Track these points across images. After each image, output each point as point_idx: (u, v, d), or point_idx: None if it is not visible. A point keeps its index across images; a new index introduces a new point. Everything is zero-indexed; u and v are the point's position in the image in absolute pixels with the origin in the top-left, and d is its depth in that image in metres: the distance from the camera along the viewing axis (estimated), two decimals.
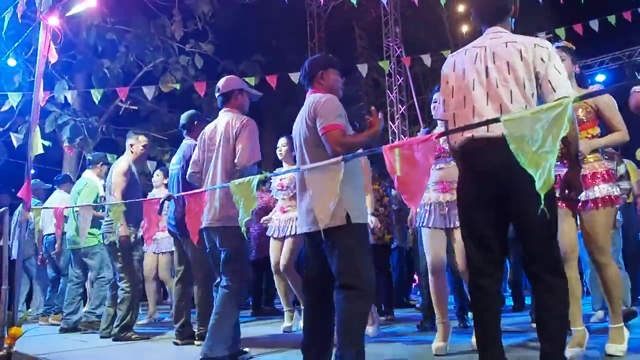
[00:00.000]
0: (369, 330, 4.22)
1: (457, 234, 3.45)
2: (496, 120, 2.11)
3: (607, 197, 3.03)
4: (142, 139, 5.01)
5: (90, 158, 6.01)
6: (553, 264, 2.31)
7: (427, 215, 3.64)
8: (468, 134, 2.41)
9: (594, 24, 9.70)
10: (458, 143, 2.50)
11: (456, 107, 2.51)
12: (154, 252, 6.57)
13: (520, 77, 2.33)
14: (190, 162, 3.78)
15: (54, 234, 6.07)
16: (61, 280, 6.21)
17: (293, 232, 4.74)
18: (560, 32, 9.80)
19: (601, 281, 3.10)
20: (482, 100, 2.39)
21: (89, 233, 5.02)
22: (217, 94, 3.67)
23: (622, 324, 3.07)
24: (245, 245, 3.55)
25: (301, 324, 4.64)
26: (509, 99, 2.33)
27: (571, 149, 2.41)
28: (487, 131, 2.31)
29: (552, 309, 2.30)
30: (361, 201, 2.77)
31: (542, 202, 1.90)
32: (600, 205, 3.02)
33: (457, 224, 3.44)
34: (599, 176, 3.06)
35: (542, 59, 2.33)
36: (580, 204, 3.05)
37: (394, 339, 4.27)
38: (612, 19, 9.76)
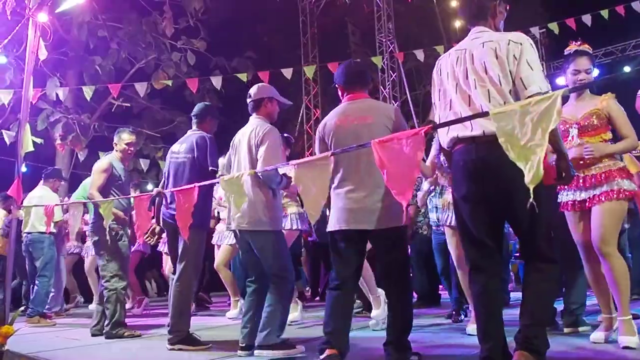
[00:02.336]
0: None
1: None
2: (486, 113, 2.11)
3: (618, 190, 3.09)
4: (125, 137, 4.91)
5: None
6: (542, 250, 2.37)
7: (448, 215, 3.92)
8: (453, 134, 2.48)
9: (587, 19, 9.71)
10: (445, 144, 2.57)
11: (442, 110, 2.59)
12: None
13: (496, 75, 2.37)
14: (221, 166, 3.93)
15: (38, 232, 6.02)
16: (38, 282, 6.04)
17: (294, 228, 4.93)
18: (554, 26, 9.82)
19: (606, 273, 3.13)
20: (464, 103, 2.45)
21: None
22: (248, 100, 3.76)
23: (631, 316, 3.09)
24: (285, 243, 3.66)
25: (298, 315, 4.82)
26: (487, 98, 2.36)
27: (554, 145, 2.38)
28: (471, 130, 2.37)
29: (535, 286, 2.37)
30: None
31: (532, 195, 1.91)
32: (611, 196, 3.09)
33: None
34: (614, 174, 3.14)
35: (514, 56, 2.35)
36: (590, 200, 3.16)
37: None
38: (605, 13, 9.78)
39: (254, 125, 3.63)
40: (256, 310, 3.57)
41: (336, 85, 3.22)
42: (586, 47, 3.41)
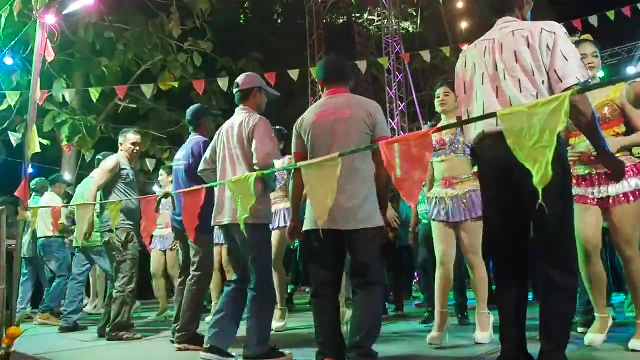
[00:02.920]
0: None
1: (462, 229, 3.66)
2: (493, 115, 2.09)
3: (636, 191, 3.01)
4: (131, 137, 4.96)
5: (100, 157, 5.65)
6: (561, 260, 2.27)
7: (434, 209, 3.79)
8: (479, 130, 2.40)
9: (593, 20, 9.66)
10: (473, 140, 2.48)
11: (468, 104, 2.50)
12: (160, 249, 6.56)
13: (528, 65, 2.28)
14: (202, 160, 3.74)
15: (46, 237, 6.18)
16: (56, 280, 6.21)
17: (282, 225, 4.77)
18: (593, 19, 9.70)
19: (627, 276, 3.06)
20: (492, 95, 2.37)
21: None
22: (235, 90, 3.63)
23: None
24: (270, 244, 3.53)
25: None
26: (518, 89, 2.28)
27: (591, 140, 2.33)
28: (497, 126, 2.25)
29: (555, 308, 2.26)
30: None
31: (540, 197, 1.88)
32: (631, 198, 3.01)
33: (461, 219, 3.63)
34: (628, 171, 3.01)
35: (547, 46, 2.25)
36: (610, 200, 3.06)
37: (399, 337, 4.26)
38: (611, 14, 9.73)
39: (243, 117, 3.49)
40: (231, 313, 3.39)
41: (316, 80, 3.17)
42: (587, 37, 3.31)
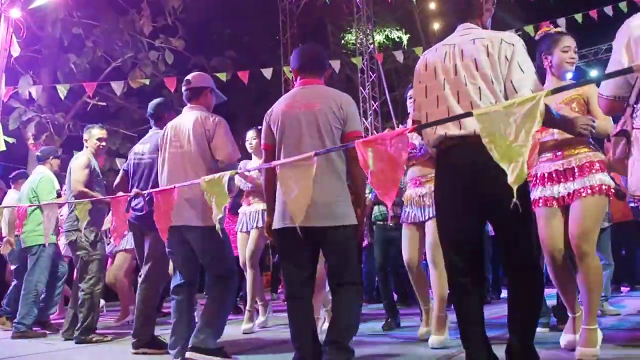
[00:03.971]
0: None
1: (428, 225, 3.66)
2: (469, 114, 2.09)
3: (600, 186, 2.88)
4: (95, 132, 4.83)
5: (39, 154, 5.67)
6: (525, 259, 2.30)
7: (407, 212, 3.82)
8: (441, 132, 2.38)
9: (562, 22, 9.85)
10: (432, 142, 2.46)
11: (429, 107, 2.48)
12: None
13: (487, 74, 2.30)
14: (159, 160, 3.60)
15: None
16: (13, 284, 5.96)
17: (260, 225, 4.68)
18: (530, 29, 9.93)
19: (580, 274, 2.91)
20: (453, 99, 2.37)
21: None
22: (185, 87, 3.54)
23: (597, 325, 2.88)
24: (228, 242, 3.46)
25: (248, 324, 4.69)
26: (478, 96, 2.30)
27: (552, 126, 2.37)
28: (460, 129, 2.28)
29: (522, 302, 2.30)
30: None
31: (515, 195, 1.89)
32: (592, 192, 2.87)
33: (431, 215, 3.60)
34: (596, 166, 2.92)
35: (505, 57, 2.29)
36: (569, 196, 2.94)
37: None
38: (579, 17, 9.97)
39: (197, 115, 3.38)
40: (183, 315, 3.35)
41: (290, 70, 3.10)
42: (561, 30, 3.26)
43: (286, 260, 2.85)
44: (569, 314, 3.14)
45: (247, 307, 4.84)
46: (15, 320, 5.08)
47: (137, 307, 3.88)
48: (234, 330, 4.62)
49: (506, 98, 2.28)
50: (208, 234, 3.16)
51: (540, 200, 3.06)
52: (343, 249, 2.73)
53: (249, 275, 4.83)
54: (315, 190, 2.59)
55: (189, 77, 3.59)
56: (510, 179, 1.91)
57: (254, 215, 4.78)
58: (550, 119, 2.32)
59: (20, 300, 5.08)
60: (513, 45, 2.31)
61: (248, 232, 4.85)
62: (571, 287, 3.09)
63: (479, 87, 2.31)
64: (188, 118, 3.41)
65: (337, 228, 2.68)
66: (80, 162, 4.61)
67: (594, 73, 13.47)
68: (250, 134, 5.00)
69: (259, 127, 4.81)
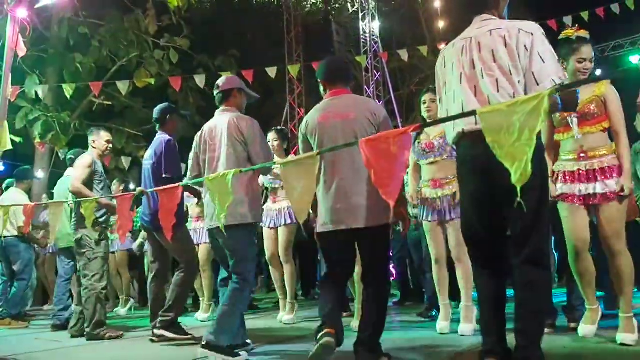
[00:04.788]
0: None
1: (450, 226, 3.83)
2: (473, 112, 2.09)
3: (623, 190, 3.05)
4: (104, 135, 4.91)
5: (72, 157, 5.53)
6: (533, 256, 2.30)
7: (425, 210, 3.96)
8: (458, 128, 2.40)
9: (568, 20, 9.81)
10: (452, 140, 2.50)
11: (448, 103, 2.50)
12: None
13: (505, 65, 2.30)
14: (189, 168, 3.74)
15: (12, 236, 5.98)
16: (16, 284, 6.02)
17: (287, 222, 4.92)
18: (568, 19, 9.80)
19: (614, 270, 3.11)
20: (470, 93, 2.37)
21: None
22: (216, 92, 3.62)
23: (632, 313, 3.08)
24: (254, 243, 3.53)
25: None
26: (495, 88, 2.30)
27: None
28: (476, 124, 2.27)
29: (528, 304, 2.30)
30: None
31: (519, 194, 1.88)
32: (616, 195, 3.06)
33: (451, 216, 3.80)
34: (616, 169, 3.08)
35: (525, 47, 2.27)
36: (597, 198, 3.10)
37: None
38: (585, 15, 9.90)
39: (230, 117, 3.46)
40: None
41: (318, 81, 3.16)
42: (585, 34, 3.26)
43: (328, 258, 3.11)
44: (587, 306, 3.29)
45: (288, 299, 5.03)
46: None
47: (152, 298, 4.29)
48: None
49: (526, 89, 2.28)
50: (230, 233, 3.22)
51: (563, 196, 3.21)
52: (372, 249, 2.94)
53: (286, 269, 5.00)
54: (349, 193, 2.84)
55: (218, 82, 3.68)
56: (513, 179, 1.90)
57: (281, 213, 4.98)
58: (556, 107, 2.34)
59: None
60: (532, 34, 2.29)
61: (273, 228, 5.04)
62: (590, 279, 3.23)
63: (497, 79, 2.30)
64: (222, 120, 3.49)
65: (369, 229, 2.85)
66: (83, 161, 4.66)
67: (599, 72, 13.41)
68: (271, 136, 5.11)
69: (279, 128, 5.27)
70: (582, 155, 3.15)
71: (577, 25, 3.46)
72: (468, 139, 2.39)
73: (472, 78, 2.38)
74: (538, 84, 2.23)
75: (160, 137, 4.32)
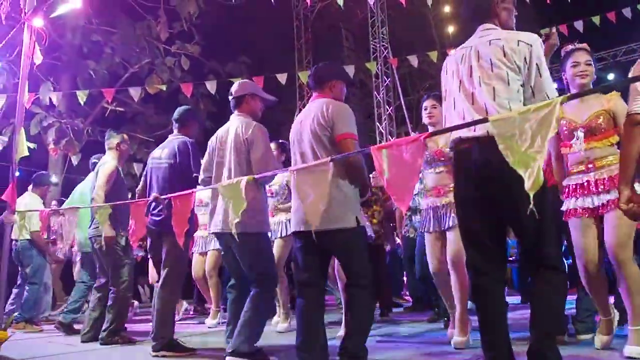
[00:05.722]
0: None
1: (450, 233, 3.65)
2: (484, 120, 2.11)
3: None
4: (127, 138, 5.03)
5: (96, 161, 5.54)
6: (547, 261, 2.30)
7: (426, 220, 3.83)
8: (455, 135, 2.42)
9: (579, 25, 9.79)
10: (449, 145, 2.52)
11: (447, 110, 2.54)
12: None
13: (503, 74, 2.32)
14: (202, 168, 3.72)
15: (26, 239, 6.02)
16: (27, 288, 6.06)
17: (282, 235, 4.88)
18: (546, 32, 9.84)
19: (621, 281, 3.00)
20: (468, 101, 2.40)
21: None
22: (230, 98, 3.65)
23: None
24: (269, 245, 3.55)
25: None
26: (492, 96, 2.32)
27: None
28: (473, 130, 2.31)
29: (545, 299, 2.31)
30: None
31: (532, 202, 1.90)
32: None
33: (451, 224, 3.63)
34: None
35: (525, 59, 2.31)
36: (603, 207, 3.02)
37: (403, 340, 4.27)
38: (596, 19, 9.87)
39: (238, 123, 3.48)
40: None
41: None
42: (583, 46, 3.28)
43: (297, 261, 3.04)
44: (602, 317, 3.25)
45: (282, 310, 5.06)
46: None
47: (156, 310, 3.93)
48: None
49: (524, 101, 2.31)
50: (243, 240, 3.24)
51: (573, 212, 3.14)
52: (346, 252, 2.91)
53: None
54: (313, 197, 2.77)
55: (232, 87, 3.68)
56: (526, 186, 1.92)
57: (277, 227, 4.93)
58: None
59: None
60: (531, 45, 2.32)
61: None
62: (603, 291, 3.19)
63: (494, 88, 2.32)
64: (232, 126, 3.52)
65: (336, 231, 2.79)
66: (109, 169, 4.66)
67: (611, 77, 13.36)
68: (271, 146, 5.03)
69: (280, 141, 5.14)
70: (589, 166, 3.08)
71: (577, 41, 3.47)
72: (465, 145, 2.39)
73: (469, 86, 2.41)
74: (534, 97, 2.28)
75: (181, 139, 4.15)
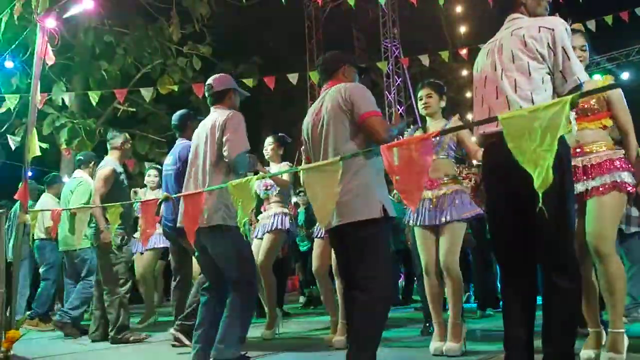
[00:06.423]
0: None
1: (444, 230, 3.44)
2: (494, 119, 2.10)
3: (618, 182, 2.76)
4: (129, 137, 5.13)
5: (81, 158, 5.90)
6: (562, 263, 2.22)
7: (417, 213, 3.55)
8: (481, 130, 2.42)
9: (591, 24, 9.69)
10: (478, 142, 2.54)
11: (476, 106, 2.51)
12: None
13: (524, 65, 2.27)
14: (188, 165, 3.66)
15: (40, 239, 6.15)
16: (42, 284, 6.19)
17: (277, 227, 4.65)
18: (591, 23, 9.68)
19: (601, 277, 2.77)
20: (493, 95, 2.37)
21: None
22: (208, 92, 3.51)
23: (624, 329, 2.76)
24: (247, 245, 3.45)
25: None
26: (513, 88, 2.28)
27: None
28: (497, 126, 2.20)
29: (555, 311, 2.21)
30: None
31: (541, 200, 1.87)
32: (608, 188, 2.76)
33: (445, 219, 3.42)
34: (616, 163, 2.81)
35: (548, 45, 2.24)
36: (587, 193, 2.83)
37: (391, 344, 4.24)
38: (609, 19, 9.77)
39: (215, 116, 3.36)
40: (211, 325, 3.21)
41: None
42: (577, 26, 3.11)
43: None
44: (589, 329, 2.93)
45: (268, 313, 4.77)
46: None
47: (176, 305, 4.38)
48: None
49: (554, 87, 2.26)
50: (224, 233, 3.14)
51: None
52: (356, 248, 2.67)
53: (265, 282, 4.70)
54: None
55: (210, 81, 3.52)
56: (536, 184, 1.89)
57: (271, 219, 4.70)
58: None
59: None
60: (552, 30, 2.25)
61: (261, 239, 4.77)
62: (592, 298, 2.91)
63: (515, 79, 2.29)
64: (209, 120, 3.41)
65: (352, 224, 2.61)
66: (104, 174, 4.72)
67: (625, 75, 13.23)
68: (268, 141, 4.89)
69: (279, 134, 4.92)
70: (578, 150, 2.90)
71: (570, 22, 3.37)
72: (489, 141, 2.38)
73: (494, 80, 2.39)
74: (566, 81, 2.22)
75: (183, 143, 4.31)
